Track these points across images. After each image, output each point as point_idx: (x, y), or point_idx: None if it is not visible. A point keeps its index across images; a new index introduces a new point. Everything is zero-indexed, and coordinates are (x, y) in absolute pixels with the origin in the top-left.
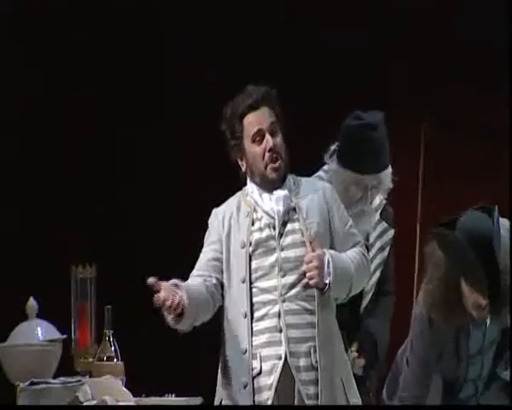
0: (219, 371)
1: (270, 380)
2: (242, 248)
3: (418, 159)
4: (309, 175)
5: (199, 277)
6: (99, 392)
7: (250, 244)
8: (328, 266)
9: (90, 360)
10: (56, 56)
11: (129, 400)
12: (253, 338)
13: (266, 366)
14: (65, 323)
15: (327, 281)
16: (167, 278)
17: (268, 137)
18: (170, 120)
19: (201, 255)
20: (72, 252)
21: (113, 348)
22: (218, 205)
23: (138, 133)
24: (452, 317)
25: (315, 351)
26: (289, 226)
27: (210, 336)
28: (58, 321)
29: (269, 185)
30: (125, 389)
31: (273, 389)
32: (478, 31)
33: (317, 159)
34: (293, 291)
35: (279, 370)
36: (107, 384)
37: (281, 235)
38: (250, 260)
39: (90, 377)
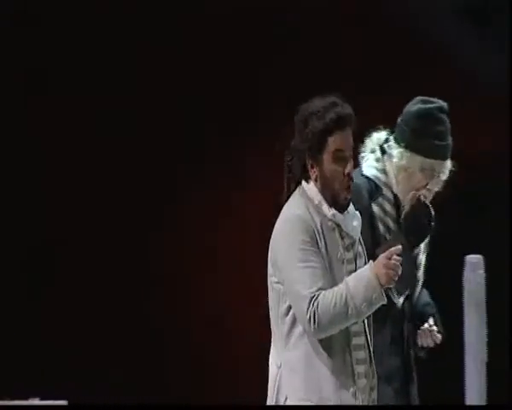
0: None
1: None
2: (342, 263)
3: None
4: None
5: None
6: None
7: (346, 261)
8: None
9: None
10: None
11: None
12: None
13: (363, 395)
14: None
15: None
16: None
17: (349, 162)
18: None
19: (310, 268)
20: (71, 252)
21: None
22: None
23: (136, 132)
24: None
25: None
26: (359, 248)
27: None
28: None
29: (336, 207)
30: None
31: None
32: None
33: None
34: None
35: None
36: None
37: (355, 257)
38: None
39: None
